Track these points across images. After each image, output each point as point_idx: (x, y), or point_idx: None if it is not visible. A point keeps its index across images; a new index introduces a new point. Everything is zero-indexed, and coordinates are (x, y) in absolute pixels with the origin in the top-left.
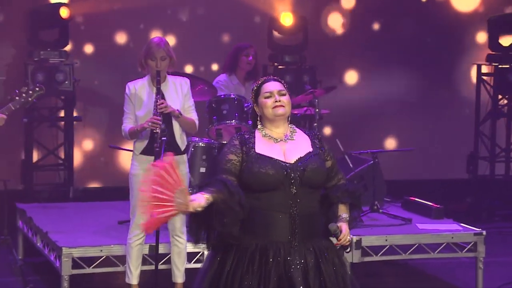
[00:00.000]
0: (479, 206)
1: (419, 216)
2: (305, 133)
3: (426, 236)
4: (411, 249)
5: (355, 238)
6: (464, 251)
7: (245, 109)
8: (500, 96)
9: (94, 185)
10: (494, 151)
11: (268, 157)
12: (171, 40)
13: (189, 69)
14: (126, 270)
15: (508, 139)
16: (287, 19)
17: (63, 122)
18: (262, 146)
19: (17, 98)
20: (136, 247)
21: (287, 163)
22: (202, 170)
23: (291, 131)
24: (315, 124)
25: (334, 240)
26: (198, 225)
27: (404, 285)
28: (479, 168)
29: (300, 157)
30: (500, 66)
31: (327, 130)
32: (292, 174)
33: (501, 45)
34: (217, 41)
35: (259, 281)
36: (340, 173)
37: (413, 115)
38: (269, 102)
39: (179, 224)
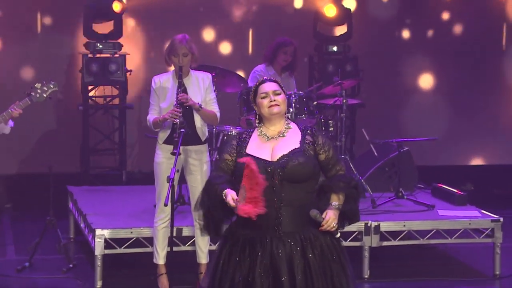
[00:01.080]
0: None
1: (444, 203)
2: (299, 129)
3: (443, 222)
4: (429, 234)
5: (373, 224)
6: (481, 236)
7: None
8: None
9: (147, 169)
10: None
11: (254, 157)
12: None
13: (242, 61)
14: (154, 251)
15: None
16: (330, 10)
17: (116, 110)
18: (253, 146)
19: (32, 93)
20: (161, 230)
21: (270, 161)
22: None
23: (285, 128)
24: (343, 114)
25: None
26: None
27: (425, 267)
28: None
29: (284, 154)
30: None
31: (376, 118)
32: (274, 172)
33: None
34: (268, 34)
35: (248, 270)
36: (339, 164)
37: (465, 103)
38: (265, 102)
39: None
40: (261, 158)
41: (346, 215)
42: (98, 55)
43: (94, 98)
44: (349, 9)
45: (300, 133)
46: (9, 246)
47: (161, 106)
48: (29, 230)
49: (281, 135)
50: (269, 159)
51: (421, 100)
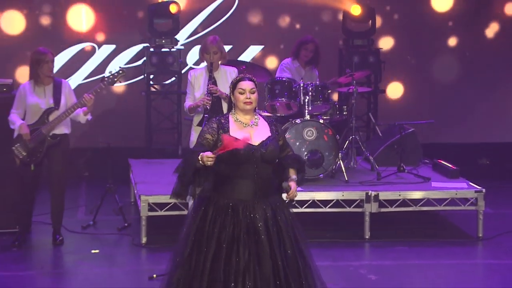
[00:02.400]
0: None
1: (440, 176)
2: (265, 120)
3: (433, 192)
4: (421, 203)
5: (373, 193)
6: (467, 204)
7: (293, 89)
8: None
9: None
10: None
11: (238, 139)
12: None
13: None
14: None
15: None
16: (356, 10)
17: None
18: (235, 129)
19: (106, 79)
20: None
21: (253, 145)
22: None
23: (255, 119)
24: (353, 101)
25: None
26: (183, 183)
27: (419, 230)
28: None
29: (263, 140)
30: None
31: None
32: (256, 153)
33: None
34: (306, 30)
35: (233, 228)
36: (289, 147)
37: (480, 92)
38: (242, 97)
39: None
40: None
41: (299, 183)
42: (158, 49)
43: (155, 86)
44: (373, 8)
45: (267, 123)
46: (81, 207)
47: (195, 94)
48: (99, 195)
49: (254, 124)
50: (251, 142)
51: (437, 85)
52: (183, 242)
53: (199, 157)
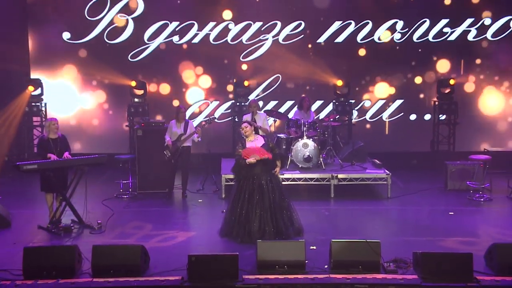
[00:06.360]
0: (438, 163)
1: (372, 167)
2: (263, 138)
3: (365, 175)
4: (359, 179)
5: (335, 174)
6: (382, 181)
7: (298, 123)
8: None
9: None
10: (438, 138)
11: (248, 147)
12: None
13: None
14: None
15: (450, 133)
16: (339, 82)
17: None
18: (248, 144)
19: (206, 121)
20: None
21: None
22: (284, 146)
23: (255, 138)
24: (330, 129)
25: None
26: (238, 170)
27: (358, 192)
28: (435, 146)
29: (259, 146)
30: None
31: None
32: None
33: (449, 84)
34: (316, 93)
35: (252, 186)
36: (277, 149)
37: (402, 122)
38: (242, 131)
39: None
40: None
41: (282, 167)
42: (239, 104)
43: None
44: (349, 82)
45: (263, 139)
46: (199, 181)
47: None
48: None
49: (256, 140)
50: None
51: (385, 120)
52: (234, 192)
53: (246, 161)
